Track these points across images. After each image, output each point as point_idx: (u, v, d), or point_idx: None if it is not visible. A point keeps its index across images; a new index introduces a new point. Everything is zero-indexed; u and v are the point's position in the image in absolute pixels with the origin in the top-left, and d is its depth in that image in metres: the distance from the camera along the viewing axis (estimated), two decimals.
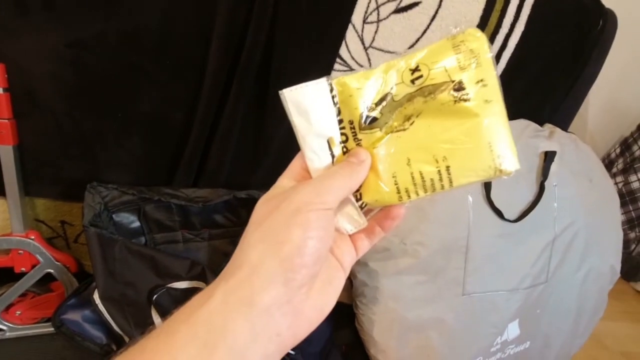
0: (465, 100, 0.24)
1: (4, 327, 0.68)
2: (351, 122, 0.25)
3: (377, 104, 0.25)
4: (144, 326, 0.59)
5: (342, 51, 0.63)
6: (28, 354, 0.67)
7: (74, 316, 0.62)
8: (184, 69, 0.58)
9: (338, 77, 0.25)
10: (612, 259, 0.75)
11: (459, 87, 0.24)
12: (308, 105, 0.25)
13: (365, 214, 0.26)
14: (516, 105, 0.69)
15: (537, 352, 0.75)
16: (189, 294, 0.62)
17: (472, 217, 0.65)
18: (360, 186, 0.25)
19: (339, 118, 0.25)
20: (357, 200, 0.26)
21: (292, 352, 0.65)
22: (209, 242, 0.68)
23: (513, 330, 0.71)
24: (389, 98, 0.25)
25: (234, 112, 0.62)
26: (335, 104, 0.25)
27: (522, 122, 0.69)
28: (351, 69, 0.64)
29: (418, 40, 0.62)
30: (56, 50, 0.54)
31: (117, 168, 0.66)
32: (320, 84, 0.25)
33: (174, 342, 0.20)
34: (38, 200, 0.69)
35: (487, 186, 0.65)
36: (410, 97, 0.25)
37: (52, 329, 0.66)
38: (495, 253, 0.67)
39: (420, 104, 0.25)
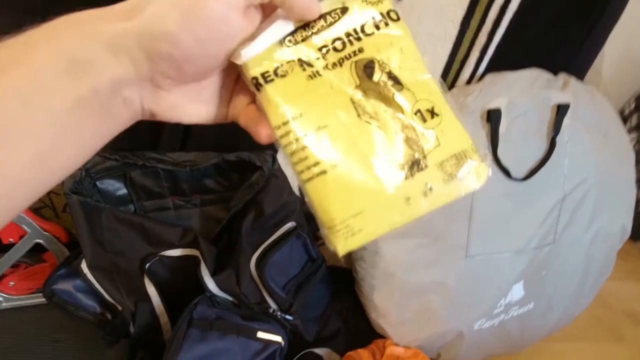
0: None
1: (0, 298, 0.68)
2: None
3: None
4: (137, 294, 0.58)
5: None
6: (25, 323, 0.67)
7: (65, 286, 0.61)
8: None
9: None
10: (623, 218, 0.72)
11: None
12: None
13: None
14: (528, 51, 0.63)
15: (540, 313, 0.74)
16: (182, 261, 0.60)
17: None
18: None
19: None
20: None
21: (290, 318, 0.64)
22: (201, 209, 0.66)
23: (517, 291, 0.69)
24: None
25: None
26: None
27: (534, 72, 0.64)
28: None
29: None
30: None
31: None
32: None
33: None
34: None
35: (494, 143, 0.61)
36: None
37: None
38: (500, 214, 0.64)
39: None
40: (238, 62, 0.21)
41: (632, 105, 1.11)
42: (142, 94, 0.20)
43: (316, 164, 0.22)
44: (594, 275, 0.74)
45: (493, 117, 0.60)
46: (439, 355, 0.72)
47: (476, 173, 0.23)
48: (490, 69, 0.63)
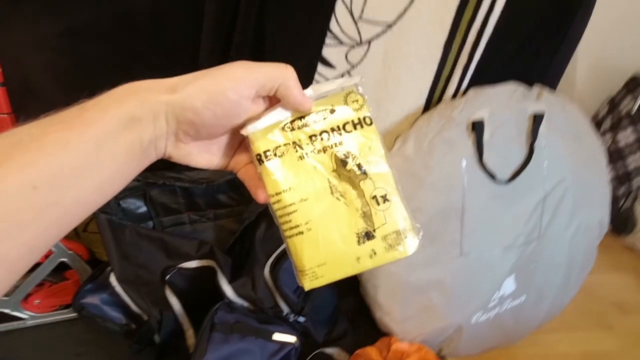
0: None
1: (25, 316, 0.71)
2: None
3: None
4: (160, 304, 0.62)
5: (333, 25, 0.63)
6: (50, 340, 0.70)
7: (92, 300, 0.65)
8: (178, 50, 0.59)
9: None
10: (600, 213, 0.79)
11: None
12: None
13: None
14: (505, 67, 0.70)
15: (531, 304, 0.79)
16: (199, 272, 0.65)
17: (466, 181, 0.68)
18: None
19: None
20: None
21: (301, 320, 0.69)
22: (215, 222, 0.71)
23: (509, 285, 0.75)
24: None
25: None
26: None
27: (511, 86, 0.71)
28: (341, 43, 0.65)
29: (406, 9, 0.63)
30: (49, 40, 0.54)
31: None
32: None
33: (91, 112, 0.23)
34: None
35: (480, 150, 0.67)
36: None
37: (71, 315, 0.68)
38: (489, 214, 0.70)
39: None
40: (244, 133, 0.29)
41: (605, 109, 1.20)
42: (167, 144, 0.27)
43: (297, 226, 0.29)
44: (577, 267, 0.80)
45: (477, 128, 0.66)
46: (440, 349, 0.77)
47: (409, 245, 0.31)
48: (472, 84, 0.70)
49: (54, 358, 0.68)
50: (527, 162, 0.70)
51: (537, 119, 0.69)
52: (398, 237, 0.30)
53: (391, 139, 0.72)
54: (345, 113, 0.30)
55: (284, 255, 0.63)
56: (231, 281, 0.63)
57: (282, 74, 0.27)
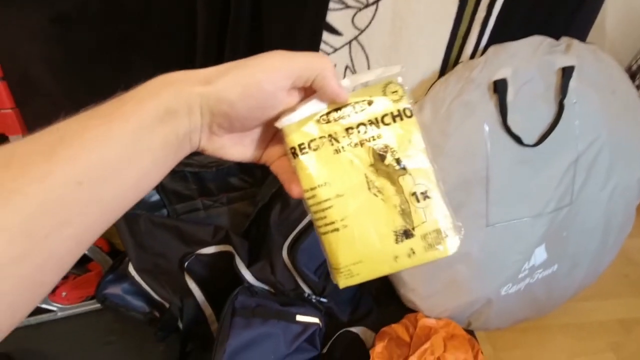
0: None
1: (54, 308, 0.73)
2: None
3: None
4: (181, 291, 0.62)
5: None
6: (80, 330, 0.73)
7: (115, 290, 0.66)
8: (174, 31, 0.56)
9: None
10: (639, 171, 0.73)
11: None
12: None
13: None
14: (527, 20, 0.64)
15: (565, 273, 0.75)
16: (217, 257, 0.64)
17: (489, 147, 0.63)
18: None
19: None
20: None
21: (324, 300, 0.68)
22: (229, 206, 0.70)
23: (540, 255, 0.71)
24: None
25: None
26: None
27: (536, 39, 0.65)
28: (347, 6, 0.60)
29: None
30: (41, 28, 0.52)
31: None
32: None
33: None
34: None
35: (503, 112, 0.62)
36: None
37: (98, 305, 0.70)
38: (516, 180, 0.66)
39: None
40: (279, 126, 0.28)
41: (639, 60, 1.10)
42: (202, 137, 0.26)
43: (332, 222, 0.28)
44: (615, 230, 0.75)
45: (500, 88, 0.61)
46: (469, 323, 0.75)
47: (450, 244, 0.29)
48: (492, 41, 0.65)
49: (86, 347, 0.70)
50: (557, 122, 0.64)
51: (566, 73, 0.63)
52: (438, 236, 0.29)
53: None
54: (384, 104, 0.28)
55: (301, 237, 0.61)
56: (249, 265, 0.62)
57: (319, 64, 0.26)
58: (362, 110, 0.28)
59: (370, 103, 0.28)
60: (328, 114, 0.28)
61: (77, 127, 0.21)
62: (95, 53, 0.56)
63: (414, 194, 0.28)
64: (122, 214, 0.23)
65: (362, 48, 0.63)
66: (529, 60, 0.63)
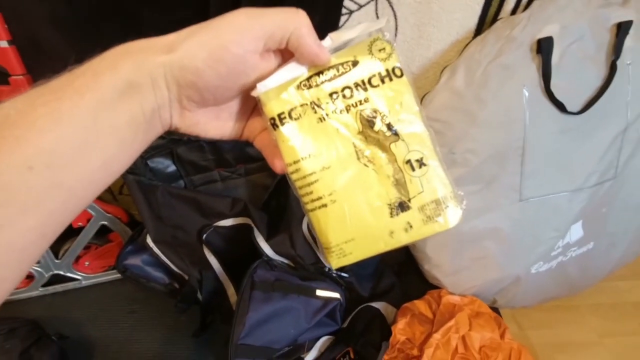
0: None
1: (79, 277, 0.75)
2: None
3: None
4: (199, 264, 0.62)
5: None
6: (105, 298, 0.74)
7: (134, 261, 0.66)
8: None
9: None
10: None
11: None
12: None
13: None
14: None
15: (601, 252, 0.71)
16: (235, 230, 0.62)
17: (528, 115, 0.58)
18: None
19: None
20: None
21: (345, 275, 0.66)
22: (247, 178, 0.67)
23: (576, 232, 0.67)
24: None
25: None
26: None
27: None
28: None
29: None
30: None
31: None
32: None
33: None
34: None
35: (546, 76, 0.56)
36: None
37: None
38: (556, 152, 0.60)
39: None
40: (254, 94, 0.25)
41: None
42: (172, 113, 0.24)
43: (319, 198, 0.26)
44: None
45: (544, 47, 0.55)
46: (494, 301, 0.72)
47: (451, 216, 0.26)
48: None
49: (110, 315, 0.72)
50: (606, 86, 0.57)
51: (621, 29, 0.55)
52: (437, 207, 0.26)
53: (437, 71, 0.62)
54: (371, 64, 0.26)
55: None
56: (268, 238, 0.60)
57: (292, 22, 0.23)
58: (347, 72, 0.25)
59: (355, 64, 0.25)
60: (309, 78, 0.25)
61: (24, 106, 0.19)
62: (105, 12, 0.52)
63: (408, 161, 0.26)
64: (94, 199, 0.22)
65: (390, 4, 0.58)
66: (580, 14, 0.56)
